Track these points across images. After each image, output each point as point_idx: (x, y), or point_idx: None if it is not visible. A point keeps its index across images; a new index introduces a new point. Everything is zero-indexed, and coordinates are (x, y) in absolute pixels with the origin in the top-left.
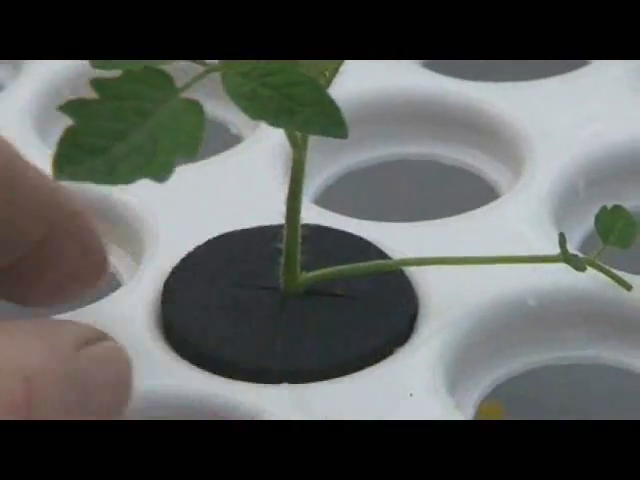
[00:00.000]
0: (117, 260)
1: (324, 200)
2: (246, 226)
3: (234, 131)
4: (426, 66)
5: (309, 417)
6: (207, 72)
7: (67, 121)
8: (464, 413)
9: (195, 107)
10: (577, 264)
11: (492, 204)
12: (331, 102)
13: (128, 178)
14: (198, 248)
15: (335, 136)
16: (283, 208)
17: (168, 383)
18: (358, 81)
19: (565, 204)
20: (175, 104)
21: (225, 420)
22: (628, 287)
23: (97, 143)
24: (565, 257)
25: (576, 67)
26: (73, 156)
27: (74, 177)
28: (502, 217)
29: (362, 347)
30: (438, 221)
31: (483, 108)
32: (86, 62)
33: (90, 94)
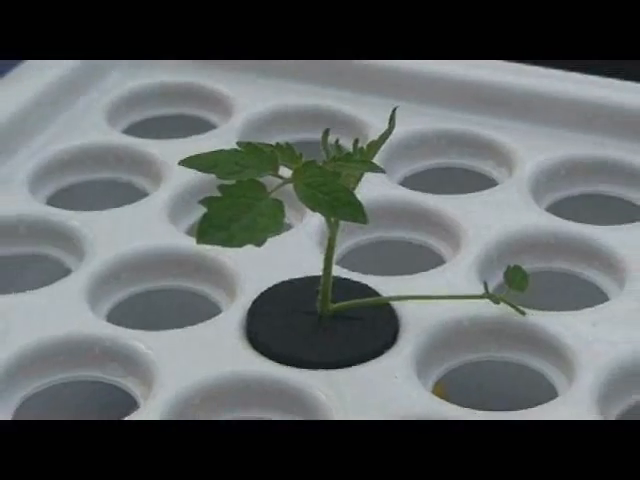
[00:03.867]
0: (218, 296)
1: (344, 262)
2: (297, 276)
3: (286, 221)
4: (401, 184)
5: (336, 391)
6: (284, 183)
7: (191, 213)
8: (426, 388)
9: (279, 204)
10: (494, 299)
11: (441, 267)
12: (359, 202)
13: (241, 244)
14: (269, 289)
15: (361, 222)
16: (320, 266)
17: (251, 369)
18: (364, 190)
19: (485, 267)
20: (267, 201)
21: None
22: (523, 313)
23: (222, 223)
24: (488, 295)
25: (493, 185)
26: (208, 230)
27: (209, 243)
28: (447, 275)
29: (367, 348)
30: (412, 275)
31: (437, 211)
32: (204, 175)
33: (205, 194)
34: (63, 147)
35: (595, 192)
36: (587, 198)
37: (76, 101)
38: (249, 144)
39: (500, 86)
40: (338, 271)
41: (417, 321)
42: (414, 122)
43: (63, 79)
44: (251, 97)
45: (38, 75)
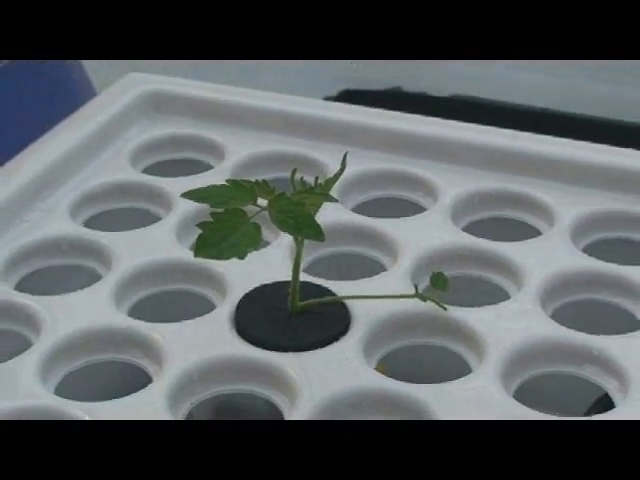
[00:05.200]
0: (212, 296)
1: (309, 270)
2: (273, 281)
3: (264, 239)
4: (352, 210)
5: (303, 368)
6: (261, 210)
7: (192, 234)
8: (371, 366)
9: (258, 227)
10: (422, 298)
11: (383, 274)
12: (318, 225)
13: (228, 257)
14: (252, 291)
15: (320, 240)
16: (290, 273)
17: (239, 353)
18: (323, 215)
19: (416, 274)
20: (248, 225)
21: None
22: (445, 309)
23: (214, 242)
24: (418, 295)
25: (422, 211)
26: (204, 247)
27: (204, 257)
28: (388, 280)
29: (327, 335)
30: (361, 280)
31: (380, 231)
32: (201, 205)
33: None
34: (96, 183)
35: (500, 216)
36: (494, 221)
37: (106, 148)
38: (234, 181)
39: (427, 136)
40: (304, 277)
41: (364, 315)
42: (361, 163)
43: (97, 131)
44: (239, 145)
45: (79, 128)
